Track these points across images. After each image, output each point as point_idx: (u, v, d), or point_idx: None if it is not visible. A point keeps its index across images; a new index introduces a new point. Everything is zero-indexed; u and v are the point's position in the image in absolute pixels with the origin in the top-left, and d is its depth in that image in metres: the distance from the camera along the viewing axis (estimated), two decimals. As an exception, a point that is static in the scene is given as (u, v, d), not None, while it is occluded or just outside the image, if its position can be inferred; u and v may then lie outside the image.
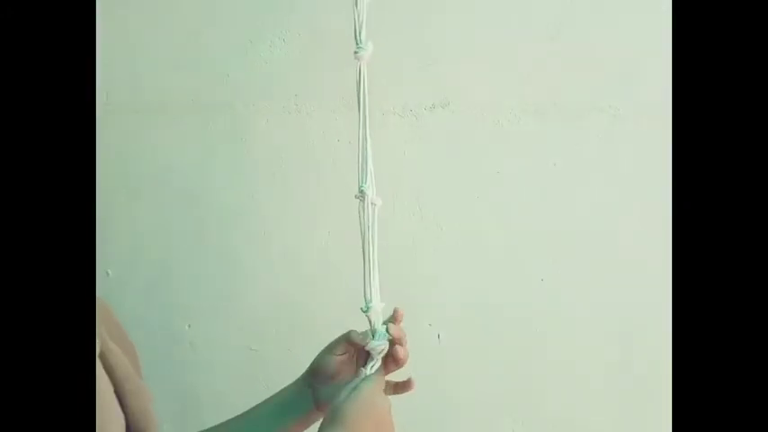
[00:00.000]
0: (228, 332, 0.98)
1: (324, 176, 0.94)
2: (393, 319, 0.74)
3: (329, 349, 0.75)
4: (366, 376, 0.71)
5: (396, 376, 0.73)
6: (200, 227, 0.99)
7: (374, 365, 0.71)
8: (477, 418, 0.95)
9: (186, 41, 0.96)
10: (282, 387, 0.77)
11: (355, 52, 0.73)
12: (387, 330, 0.71)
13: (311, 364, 0.76)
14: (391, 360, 0.72)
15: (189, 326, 0.99)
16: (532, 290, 0.92)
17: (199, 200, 0.98)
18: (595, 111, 0.89)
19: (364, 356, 0.73)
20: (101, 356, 0.54)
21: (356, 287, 0.89)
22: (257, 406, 0.76)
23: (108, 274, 1.01)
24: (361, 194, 0.72)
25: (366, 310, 0.71)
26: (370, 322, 0.72)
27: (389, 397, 0.71)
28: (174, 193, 0.98)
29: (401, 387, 0.75)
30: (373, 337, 0.71)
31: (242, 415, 0.76)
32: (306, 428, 0.75)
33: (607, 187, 0.90)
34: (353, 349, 0.74)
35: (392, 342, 0.72)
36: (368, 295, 0.72)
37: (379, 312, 0.72)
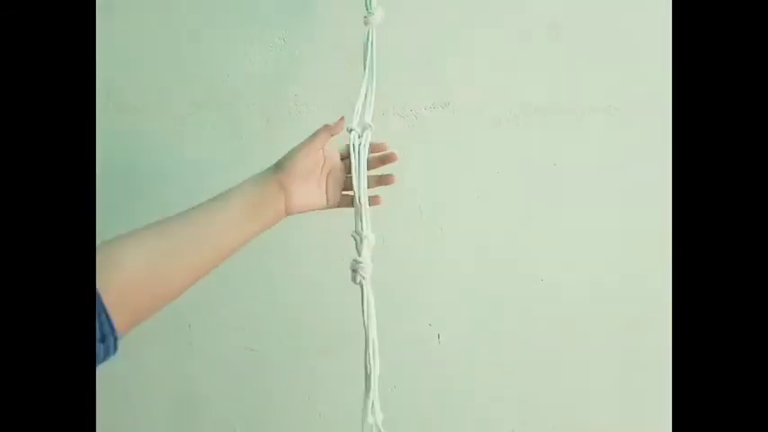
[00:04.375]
0: (228, 332, 0.98)
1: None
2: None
3: (307, 141, 0.75)
4: None
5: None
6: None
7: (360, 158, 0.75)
8: (477, 418, 0.95)
9: (186, 41, 0.96)
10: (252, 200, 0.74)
11: (365, 17, 0.78)
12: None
13: (283, 159, 0.75)
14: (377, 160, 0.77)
15: (189, 326, 0.99)
16: (532, 290, 0.92)
17: (199, 200, 0.98)
18: (595, 111, 0.89)
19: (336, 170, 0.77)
20: None
21: (355, 287, 0.89)
22: (226, 200, 0.73)
23: (108, 274, 1.00)
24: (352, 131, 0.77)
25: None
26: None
27: None
28: (174, 193, 0.98)
29: (387, 159, 0.78)
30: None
31: (210, 209, 0.72)
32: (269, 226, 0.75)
33: (607, 187, 0.90)
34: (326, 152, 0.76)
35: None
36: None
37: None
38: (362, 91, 0.78)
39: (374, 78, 0.78)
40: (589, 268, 0.91)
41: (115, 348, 0.60)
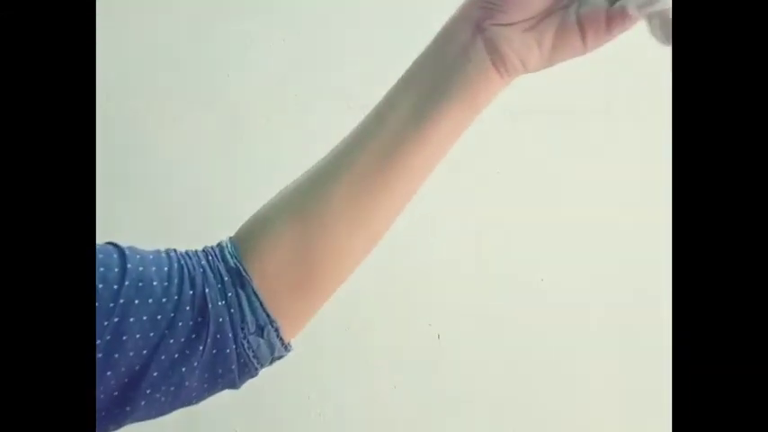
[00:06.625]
0: (228, 332, 0.98)
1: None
2: None
3: None
4: None
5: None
6: (200, 227, 0.98)
7: None
8: (477, 418, 0.95)
9: (186, 41, 0.96)
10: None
11: None
12: None
13: None
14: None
15: (189, 326, 0.99)
16: (532, 289, 0.92)
17: (199, 200, 0.98)
18: (595, 111, 0.89)
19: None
20: None
21: (354, 287, 0.89)
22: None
23: (108, 274, 1.00)
24: None
25: None
26: None
27: None
28: (174, 193, 0.98)
29: None
30: None
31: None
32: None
33: (607, 187, 0.90)
34: None
35: None
36: None
37: None
38: None
39: None
40: (589, 267, 0.91)
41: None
